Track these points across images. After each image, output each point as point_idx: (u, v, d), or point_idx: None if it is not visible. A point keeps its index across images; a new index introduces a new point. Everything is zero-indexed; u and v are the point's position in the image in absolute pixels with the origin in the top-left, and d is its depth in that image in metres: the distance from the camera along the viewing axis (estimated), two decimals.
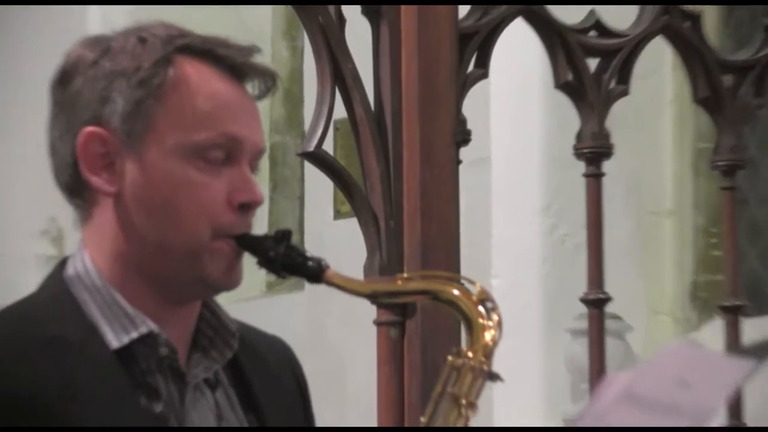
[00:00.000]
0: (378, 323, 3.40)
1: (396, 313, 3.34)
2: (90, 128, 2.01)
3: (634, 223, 5.81)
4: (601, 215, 3.72)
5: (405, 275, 2.55)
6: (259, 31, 6.83)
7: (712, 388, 1.38)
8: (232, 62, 2.05)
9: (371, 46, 3.50)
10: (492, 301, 2.06)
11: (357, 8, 3.47)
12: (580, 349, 4.21)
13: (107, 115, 2.00)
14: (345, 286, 2.06)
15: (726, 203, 3.93)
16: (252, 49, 2.08)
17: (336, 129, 3.47)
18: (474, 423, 2.03)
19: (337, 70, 3.43)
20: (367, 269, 3.41)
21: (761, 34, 3.93)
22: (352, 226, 3.52)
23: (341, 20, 3.44)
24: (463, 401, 2.01)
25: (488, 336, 2.03)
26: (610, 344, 3.81)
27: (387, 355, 3.39)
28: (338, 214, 5.69)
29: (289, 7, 3.60)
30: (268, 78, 2.09)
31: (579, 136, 3.69)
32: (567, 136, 3.78)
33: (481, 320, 2.04)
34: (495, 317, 2.04)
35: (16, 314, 2.05)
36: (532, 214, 5.70)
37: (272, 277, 2.11)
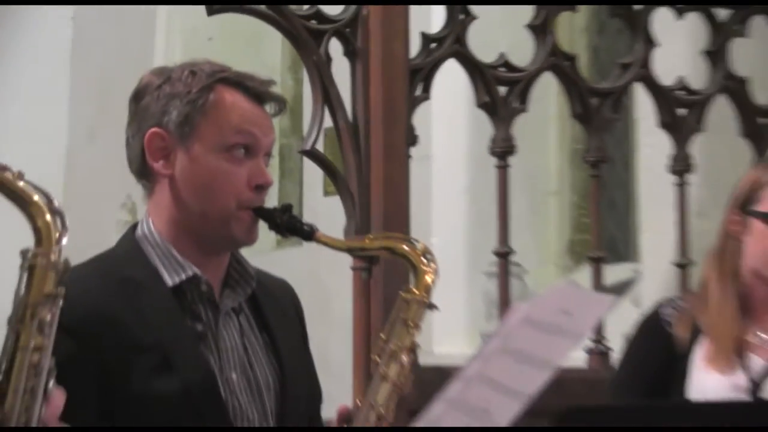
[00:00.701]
0: (353, 269, 3.39)
1: (366, 261, 3.34)
2: (154, 129, 2.00)
3: (529, 200, 5.80)
4: (507, 194, 3.71)
5: (371, 236, 2.53)
6: (272, 65, 6.78)
7: (586, 315, 1.37)
8: (255, 91, 2.04)
9: (350, 77, 3.49)
10: (431, 254, 2.05)
11: (340, 50, 3.46)
12: (492, 287, 4.19)
13: (165, 122, 2.00)
14: (330, 244, 2.06)
15: (593, 186, 3.93)
16: (270, 82, 2.08)
17: (325, 135, 3.45)
18: (417, 339, 2.01)
19: (326, 94, 3.41)
20: (346, 232, 3.40)
21: (618, 70, 3.93)
22: (336, 202, 3.50)
23: (329, 59, 3.43)
24: (411, 323, 2.00)
25: (428, 278, 2.02)
26: (513, 283, 3.80)
27: (360, 291, 3.38)
28: (326, 193, 5.64)
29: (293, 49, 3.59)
30: (280, 102, 2.08)
31: (493, 140, 3.69)
32: (484, 139, 3.76)
33: (423, 267, 2.03)
34: (433, 265, 2.03)
35: (102, 261, 2.05)
36: (460, 194, 5.68)
37: (279, 237, 2.08)
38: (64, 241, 1.45)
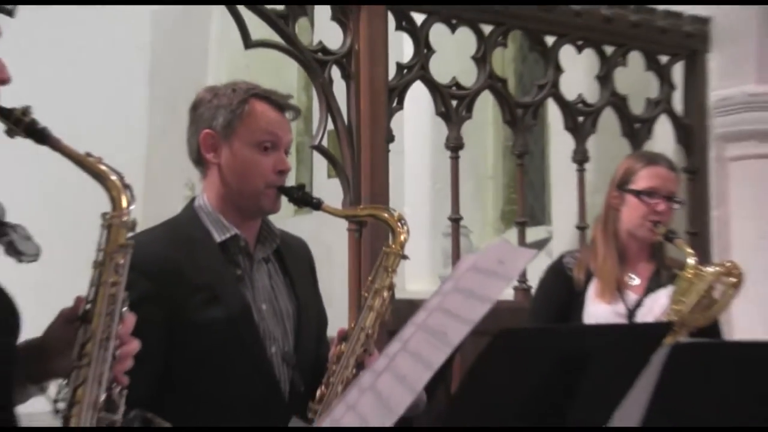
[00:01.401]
0: (349, 230, 3.38)
1: (357, 225, 3.32)
2: (206, 130, 1.99)
3: (474, 182, 5.80)
4: (458, 177, 3.70)
5: (361, 206, 2.51)
6: (290, 85, 6.76)
7: (514, 263, 1.35)
8: (278, 102, 2.02)
9: (346, 93, 3.47)
10: (404, 220, 2.04)
11: (339, 74, 3.44)
12: (448, 243, 4.18)
13: (214, 125, 1.99)
14: (332, 212, 2.04)
15: (518, 172, 3.92)
16: (289, 96, 2.07)
17: (328, 135, 3.43)
18: (394, 280, 2.00)
19: (329, 105, 3.40)
20: (343, 204, 3.38)
21: (536, 89, 3.92)
22: (336, 183, 3.48)
23: (331, 81, 3.41)
24: (390, 269, 2.00)
25: (402, 237, 2.01)
26: (462, 241, 3.79)
27: (353, 247, 3.37)
28: (329, 176, 5.61)
29: (305, 73, 3.57)
30: (296, 111, 2.07)
31: (447, 138, 3.68)
32: (441, 138, 3.75)
33: (399, 229, 2.02)
34: (406, 227, 2.02)
35: (170, 225, 2.03)
36: (425, 179, 5.67)
37: (296, 208, 2.06)
38: (132, 206, 1.44)
